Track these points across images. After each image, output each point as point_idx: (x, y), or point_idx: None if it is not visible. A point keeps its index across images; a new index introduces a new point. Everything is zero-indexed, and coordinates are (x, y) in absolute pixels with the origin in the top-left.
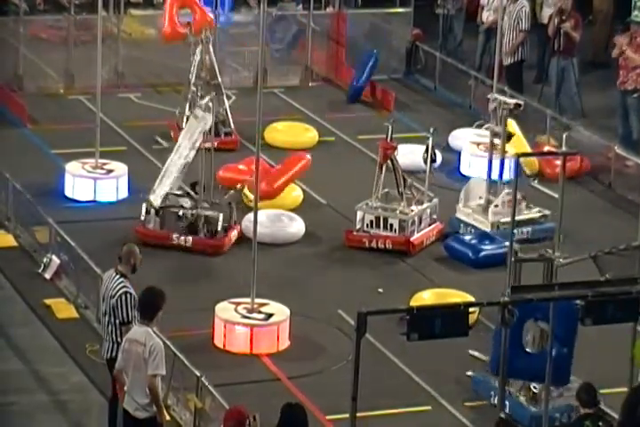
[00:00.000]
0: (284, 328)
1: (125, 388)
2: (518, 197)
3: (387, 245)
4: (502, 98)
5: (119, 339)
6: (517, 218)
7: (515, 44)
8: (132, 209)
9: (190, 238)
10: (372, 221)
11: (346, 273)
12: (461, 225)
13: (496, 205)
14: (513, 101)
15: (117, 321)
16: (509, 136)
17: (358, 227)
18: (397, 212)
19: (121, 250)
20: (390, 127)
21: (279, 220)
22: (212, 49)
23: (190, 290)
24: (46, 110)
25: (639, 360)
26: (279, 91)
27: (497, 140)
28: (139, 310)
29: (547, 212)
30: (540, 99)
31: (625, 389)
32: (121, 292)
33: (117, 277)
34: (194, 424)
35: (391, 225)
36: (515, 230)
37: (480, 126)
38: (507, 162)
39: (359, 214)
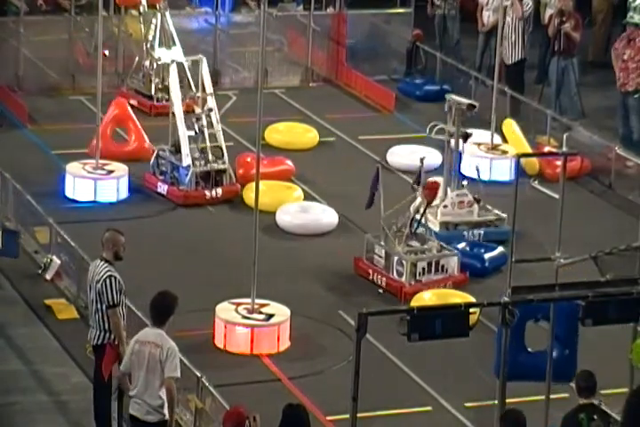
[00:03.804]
0: (284, 329)
1: (132, 393)
2: (470, 198)
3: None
4: (456, 98)
5: (106, 326)
6: (470, 220)
7: (520, 44)
8: (133, 209)
9: (220, 190)
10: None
11: (346, 272)
12: (416, 224)
13: (445, 206)
14: (466, 102)
15: (104, 306)
16: (466, 136)
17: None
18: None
19: (103, 236)
20: (422, 165)
21: (311, 211)
22: (169, 18)
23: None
24: (46, 111)
25: (637, 361)
26: (280, 91)
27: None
28: (151, 315)
29: (503, 215)
30: (540, 99)
31: (626, 389)
32: (105, 276)
33: (102, 263)
34: (194, 425)
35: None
36: (465, 232)
37: (433, 128)
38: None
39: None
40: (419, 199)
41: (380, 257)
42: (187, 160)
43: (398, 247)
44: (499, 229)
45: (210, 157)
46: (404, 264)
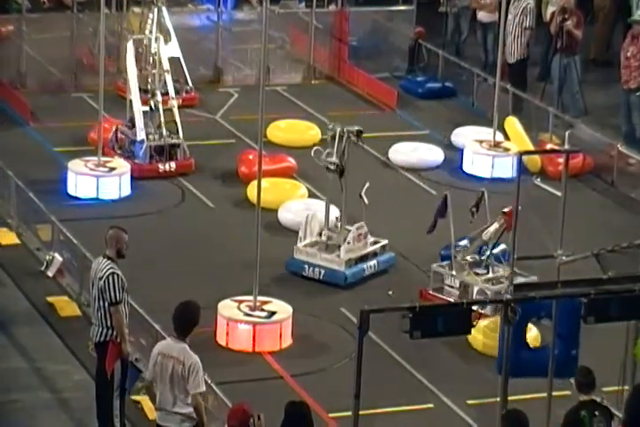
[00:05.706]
0: (286, 326)
1: (158, 405)
2: (362, 231)
3: None
4: (342, 126)
5: (109, 323)
6: (366, 252)
7: (522, 42)
8: (135, 206)
9: (173, 164)
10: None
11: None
12: (306, 266)
13: (348, 242)
14: (355, 129)
15: (106, 304)
16: (341, 171)
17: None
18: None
19: (106, 233)
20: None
21: (312, 208)
22: (166, 13)
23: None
24: (49, 108)
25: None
26: (282, 89)
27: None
28: (174, 326)
29: (384, 241)
30: (542, 97)
31: (626, 387)
32: (108, 273)
33: (105, 260)
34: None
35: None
36: (364, 266)
37: (324, 155)
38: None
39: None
40: (494, 226)
41: (453, 287)
42: (141, 134)
43: (476, 277)
44: (383, 256)
45: (164, 131)
46: (488, 294)
